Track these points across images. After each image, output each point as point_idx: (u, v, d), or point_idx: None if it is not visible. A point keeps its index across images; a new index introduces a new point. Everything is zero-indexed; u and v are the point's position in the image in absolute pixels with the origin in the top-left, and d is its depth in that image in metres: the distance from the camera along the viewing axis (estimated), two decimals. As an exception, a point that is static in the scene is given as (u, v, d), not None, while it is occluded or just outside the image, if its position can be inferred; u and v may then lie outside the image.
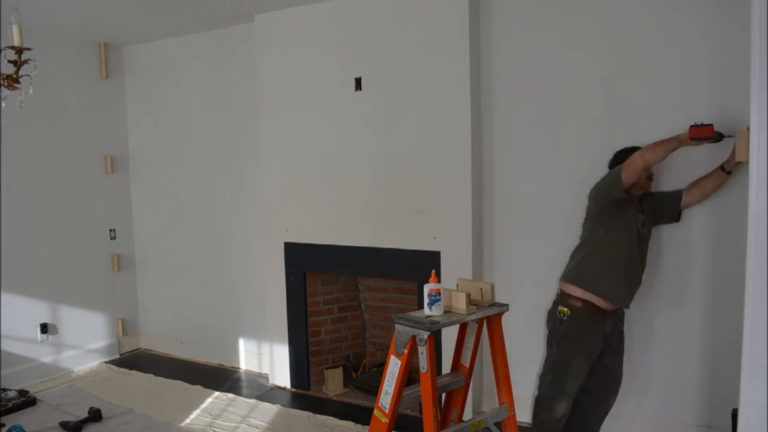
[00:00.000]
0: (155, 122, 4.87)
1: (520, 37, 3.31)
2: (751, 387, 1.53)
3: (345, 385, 4.07)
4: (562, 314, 2.75)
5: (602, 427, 3.02)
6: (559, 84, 3.22)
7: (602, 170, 3.09)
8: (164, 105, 4.81)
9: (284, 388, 4.19)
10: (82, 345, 4.64)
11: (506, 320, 2.53)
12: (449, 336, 3.01)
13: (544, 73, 3.26)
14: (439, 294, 2.26)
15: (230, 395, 4.03)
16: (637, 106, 3.04)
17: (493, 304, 2.40)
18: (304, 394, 4.08)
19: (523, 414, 3.06)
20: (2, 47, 2.74)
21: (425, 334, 2.18)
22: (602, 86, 3.11)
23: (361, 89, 3.65)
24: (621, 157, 2.78)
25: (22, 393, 3.71)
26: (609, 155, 2.96)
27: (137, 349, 5.07)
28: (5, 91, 2.82)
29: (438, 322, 2.20)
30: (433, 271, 2.34)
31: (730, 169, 2.73)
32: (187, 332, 4.88)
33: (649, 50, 2.98)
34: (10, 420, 3.35)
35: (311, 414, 3.69)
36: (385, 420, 2.30)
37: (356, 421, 3.57)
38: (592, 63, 3.13)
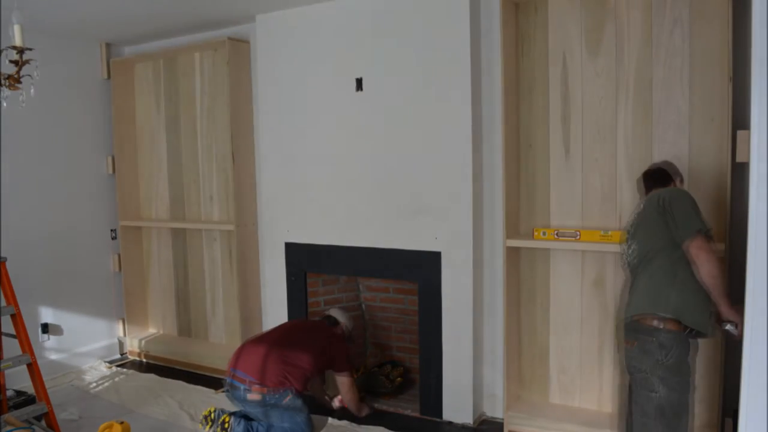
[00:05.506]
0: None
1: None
2: (751, 387, 1.52)
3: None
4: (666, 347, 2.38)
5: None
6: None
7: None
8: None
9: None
10: (83, 345, 4.65)
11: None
12: None
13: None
14: None
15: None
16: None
17: None
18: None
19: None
20: (4, 47, 2.75)
21: None
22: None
23: (362, 89, 3.65)
24: (656, 177, 2.64)
25: (20, 393, 3.70)
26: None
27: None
28: (6, 91, 2.82)
29: None
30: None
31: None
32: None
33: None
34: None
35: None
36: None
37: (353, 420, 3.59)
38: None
